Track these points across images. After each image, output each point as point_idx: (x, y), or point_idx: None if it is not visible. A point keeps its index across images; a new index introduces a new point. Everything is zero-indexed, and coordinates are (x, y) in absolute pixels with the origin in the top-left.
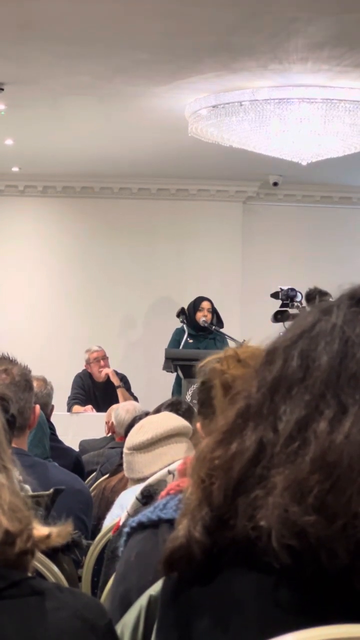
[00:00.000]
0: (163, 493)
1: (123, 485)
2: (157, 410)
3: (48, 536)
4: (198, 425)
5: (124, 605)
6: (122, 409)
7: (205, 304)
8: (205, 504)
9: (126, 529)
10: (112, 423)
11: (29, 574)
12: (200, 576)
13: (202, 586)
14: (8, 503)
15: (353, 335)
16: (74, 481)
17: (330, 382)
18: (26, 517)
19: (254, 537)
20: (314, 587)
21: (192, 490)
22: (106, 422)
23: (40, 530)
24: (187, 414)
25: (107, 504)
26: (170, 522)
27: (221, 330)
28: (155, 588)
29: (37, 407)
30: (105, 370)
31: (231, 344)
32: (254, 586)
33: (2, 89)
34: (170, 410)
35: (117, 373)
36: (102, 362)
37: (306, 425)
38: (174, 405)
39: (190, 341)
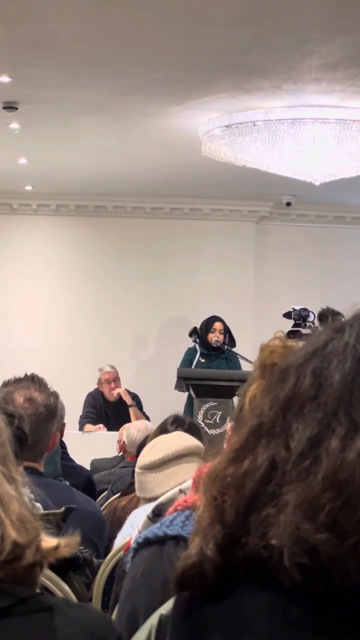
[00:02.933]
0: (171, 509)
1: (134, 505)
2: (162, 428)
3: (56, 547)
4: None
5: (132, 623)
6: (133, 428)
7: (217, 325)
8: (218, 521)
9: (133, 545)
10: (124, 442)
11: (37, 590)
12: (211, 595)
13: (213, 605)
14: (17, 514)
15: None
16: (87, 503)
17: (343, 400)
18: (35, 528)
19: (266, 555)
20: (325, 606)
21: (204, 509)
22: (118, 441)
23: (48, 541)
24: (191, 428)
25: (118, 523)
26: (176, 539)
27: (233, 349)
28: (166, 607)
29: (58, 433)
30: (117, 390)
31: (243, 364)
32: (265, 605)
33: (16, 108)
34: (176, 427)
35: (128, 392)
36: (112, 384)
37: (318, 443)
38: (178, 422)
39: (202, 361)
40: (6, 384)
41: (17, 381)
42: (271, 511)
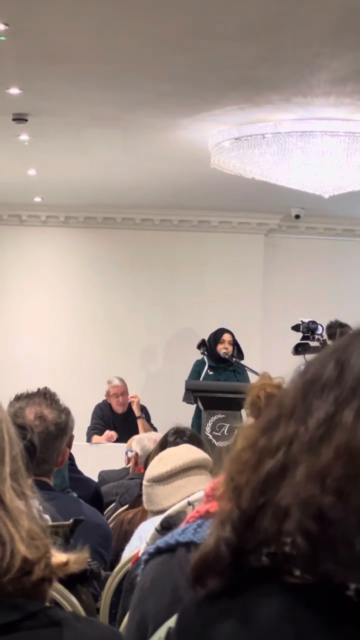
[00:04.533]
0: (182, 524)
1: (140, 518)
2: (164, 440)
3: (66, 563)
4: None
5: (141, 631)
6: (147, 440)
7: (226, 336)
8: (235, 504)
9: (144, 557)
10: (137, 453)
11: (47, 604)
12: (223, 592)
13: (217, 616)
14: (26, 530)
15: None
16: (95, 516)
17: None
18: (44, 544)
19: (279, 537)
20: (335, 610)
21: (223, 495)
22: (126, 453)
23: (57, 557)
24: (192, 439)
25: (124, 536)
26: (187, 545)
27: (241, 362)
28: (174, 620)
29: (67, 449)
30: (132, 398)
31: (251, 376)
32: (274, 603)
33: (26, 120)
34: (176, 438)
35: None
36: (120, 399)
37: (333, 417)
38: (178, 434)
39: (211, 373)
40: (18, 398)
41: (29, 396)
42: (284, 483)
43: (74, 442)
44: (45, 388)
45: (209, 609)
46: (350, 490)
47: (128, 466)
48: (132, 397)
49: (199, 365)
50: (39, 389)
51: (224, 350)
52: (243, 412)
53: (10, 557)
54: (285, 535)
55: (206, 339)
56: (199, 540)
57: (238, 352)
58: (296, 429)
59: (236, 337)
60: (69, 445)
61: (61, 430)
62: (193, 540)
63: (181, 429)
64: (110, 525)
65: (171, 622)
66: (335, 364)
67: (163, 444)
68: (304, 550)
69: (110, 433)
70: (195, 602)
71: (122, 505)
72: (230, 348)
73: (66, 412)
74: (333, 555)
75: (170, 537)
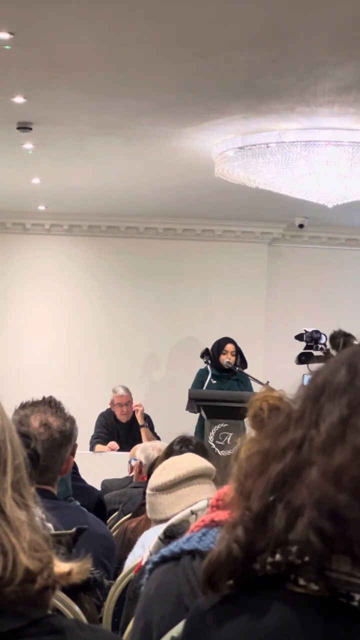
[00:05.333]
0: (187, 532)
1: (143, 526)
2: (169, 449)
3: (69, 573)
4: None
5: (145, 638)
6: (151, 448)
7: (229, 347)
8: (245, 508)
9: (148, 566)
10: (141, 462)
11: (49, 611)
12: (231, 596)
13: (223, 624)
14: (28, 541)
15: None
16: (98, 525)
17: None
18: (47, 555)
19: (289, 539)
20: (340, 618)
21: (233, 500)
22: (129, 461)
23: (60, 567)
24: (198, 449)
25: (128, 545)
26: (192, 554)
27: (245, 371)
28: (177, 629)
29: (72, 458)
30: (136, 406)
31: (254, 385)
32: (280, 609)
33: (30, 129)
34: (181, 447)
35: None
36: (124, 408)
37: (347, 421)
38: (184, 442)
39: (214, 382)
40: (23, 406)
41: (34, 404)
42: (296, 485)
43: (77, 451)
44: (50, 397)
45: (214, 617)
46: None
47: (131, 475)
48: (136, 406)
49: (202, 374)
50: (44, 397)
51: (227, 360)
52: (246, 421)
53: (12, 567)
54: (291, 544)
55: (209, 348)
56: (204, 548)
57: (241, 361)
58: (306, 432)
59: (239, 346)
60: (73, 454)
61: (66, 438)
62: (198, 548)
63: (187, 438)
64: (113, 534)
65: (174, 631)
66: (348, 369)
67: (168, 453)
68: (318, 549)
69: (112, 444)
70: (200, 611)
71: (125, 514)
72: (234, 358)
73: (71, 420)
74: (347, 555)
75: (174, 546)
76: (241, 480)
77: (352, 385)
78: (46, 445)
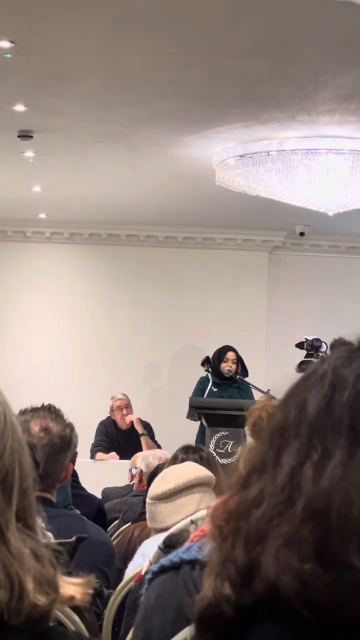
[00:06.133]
0: (187, 542)
1: (148, 532)
2: (174, 458)
3: (72, 598)
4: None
5: None
6: (152, 457)
7: (230, 355)
8: (229, 560)
9: (148, 576)
10: (141, 470)
11: (50, 623)
12: (231, 634)
13: None
14: (34, 576)
15: (340, 379)
16: (98, 533)
17: (317, 427)
18: (54, 589)
19: (273, 591)
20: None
21: (214, 548)
22: (130, 470)
23: (65, 588)
24: (203, 459)
25: (132, 551)
26: (192, 563)
27: (245, 379)
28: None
29: (71, 465)
30: (129, 417)
31: (255, 393)
32: None
33: (31, 137)
34: (185, 454)
35: (140, 421)
36: (124, 411)
37: (297, 473)
38: (190, 451)
39: (215, 390)
40: (23, 412)
41: (34, 410)
42: (266, 546)
43: (78, 459)
44: (50, 404)
45: None
46: (327, 554)
47: (132, 483)
48: (129, 418)
49: (203, 382)
50: (43, 404)
51: (228, 368)
52: (246, 429)
53: (18, 602)
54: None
55: (210, 356)
56: (204, 558)
57: (242, 369)
58: (266, 484)
59: (240, 354)
60: (73, 462)
61: (65, 444)
62: (197, 558)
63: (194, 447)
64: (117, 541)
65: None
66: (295, 407)
67: (174, 461)
68: (308, 615)
69: (113, 455)
70: None
71: (126, 522)
72: (235, 366)
73: (70, 427)
74: (340, 618)
75: (174, 555)
76: (221, 532)
77: (299, 429)
78: (46, 450)
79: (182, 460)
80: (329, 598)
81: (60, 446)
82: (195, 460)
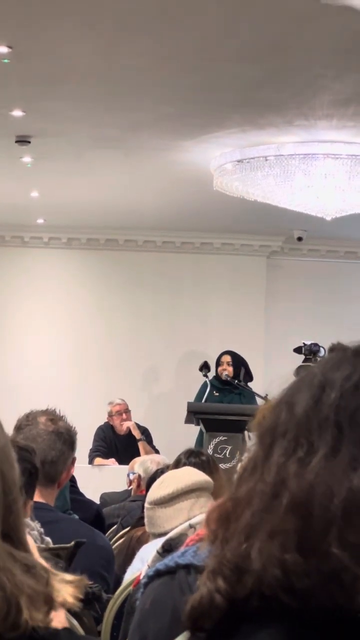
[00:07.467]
0: (182, 547)
1: (148, 536)
2: (177, 462)
3: (64, 604)
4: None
5: None
6: (150, 462)
7: (224, 358)
8: (222, 559)
9: (144, 580)
10: (139, 475)
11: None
12: (222, 631)
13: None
14: (27, 594)
15: (329, 379)
16: (97, 537)
17: (304, 425)
18: (49, 602)
19: (262, 585)
20: (332, 633)
21: (209, 548)
22: (128, 475)
23: (58, 593)
24: (203, 464)
25: (133, 555)
26: (187, 568)
27: (248, 384)
28: None
29: (72, 467)
30: (126, 424)
31: (256, 399)
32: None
33: (29, 142)
34: (187, 458)
35: (138, 426)
36: (123, 416)
37: (283, 470)
38: (191, 455)
39: (216, 394)
40: (27, 415)
41: (39, 411)
42: (254, 541)
43: (76, 465)
44: (54, 409)
45: None
46: (307, 545)
47: (130, 488)
48: (126, 424)
49: (203, 387)
50: (47, 408)
51: (225, 372)
52: (246, 434)
53: (13, 623)
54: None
55: (208, 360)
56: (199, 562)
57: (246, 373)
58: (257, 483)
59: (245, 359)
60: (72, 464)
61: (70, 437)
62: (193, 562)
63: (196, 451)
64: (118, 544)
65: None
66: (286, 408)
67: (177, 465)
68: (294, 606)
69: (112, 461)
70: None
71: (124, 527)
72: (230, 369)
73: (75, 430)
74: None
75: (169, 560)
76: (212, 525)
77: (288, 428)
78: (52, 438)
79: (185, 464)
80: (307, 584)
81: (66, 438)
82: (196, 464)
